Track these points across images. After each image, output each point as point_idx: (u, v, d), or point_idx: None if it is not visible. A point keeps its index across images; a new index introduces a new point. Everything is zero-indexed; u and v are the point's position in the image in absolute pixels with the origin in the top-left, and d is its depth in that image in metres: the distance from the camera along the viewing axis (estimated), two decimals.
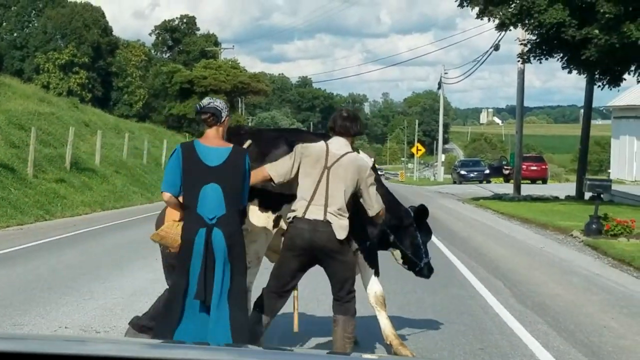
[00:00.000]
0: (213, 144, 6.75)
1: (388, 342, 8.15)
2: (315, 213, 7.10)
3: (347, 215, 7.19)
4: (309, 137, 8.31)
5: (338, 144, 7.35)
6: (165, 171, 6.85)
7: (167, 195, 6.74)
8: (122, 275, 12.93)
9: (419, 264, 8.56)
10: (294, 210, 7.23)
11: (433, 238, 19.82)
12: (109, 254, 15.82)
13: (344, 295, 7.29)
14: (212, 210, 6.62)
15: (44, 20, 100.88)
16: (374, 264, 8.22)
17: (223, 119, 6.82)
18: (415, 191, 52.27)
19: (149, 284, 12.02)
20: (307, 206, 7.13)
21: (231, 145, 6.82)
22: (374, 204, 7.31)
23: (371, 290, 8.23)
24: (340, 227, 7.11)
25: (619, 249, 17.29)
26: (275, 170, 7.26)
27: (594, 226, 19.72)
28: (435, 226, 22.73)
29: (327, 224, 7.09)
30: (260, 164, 7.48)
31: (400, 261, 8.63)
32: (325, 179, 7.17)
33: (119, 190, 32.39)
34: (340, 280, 7.28)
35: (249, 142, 7.60)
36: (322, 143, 7.38)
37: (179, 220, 6.85)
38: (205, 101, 6.91)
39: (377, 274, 8.24)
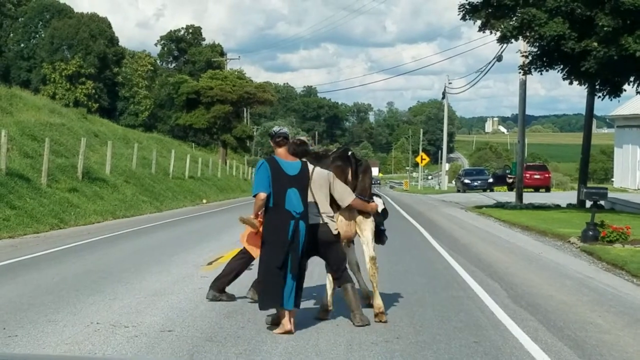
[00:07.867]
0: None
1: None
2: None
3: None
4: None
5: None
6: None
7: None
8: (142, 278, 13.67)
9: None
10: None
11: (435, 245, 20.49)
12: (126, 259, 16.53)
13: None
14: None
15: (50, 31, 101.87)
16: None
17: None
18: (420, 199, 53.03)
19: (169, 285, 12.85)
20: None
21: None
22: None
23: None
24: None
25: (614, 254, 17.94)
26: None
27: (590, 233, 20.36)
28: (438, 233, 23.56)
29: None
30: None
31: None
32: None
33: (129, 199, 33.19)
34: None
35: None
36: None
37: None
38: None
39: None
